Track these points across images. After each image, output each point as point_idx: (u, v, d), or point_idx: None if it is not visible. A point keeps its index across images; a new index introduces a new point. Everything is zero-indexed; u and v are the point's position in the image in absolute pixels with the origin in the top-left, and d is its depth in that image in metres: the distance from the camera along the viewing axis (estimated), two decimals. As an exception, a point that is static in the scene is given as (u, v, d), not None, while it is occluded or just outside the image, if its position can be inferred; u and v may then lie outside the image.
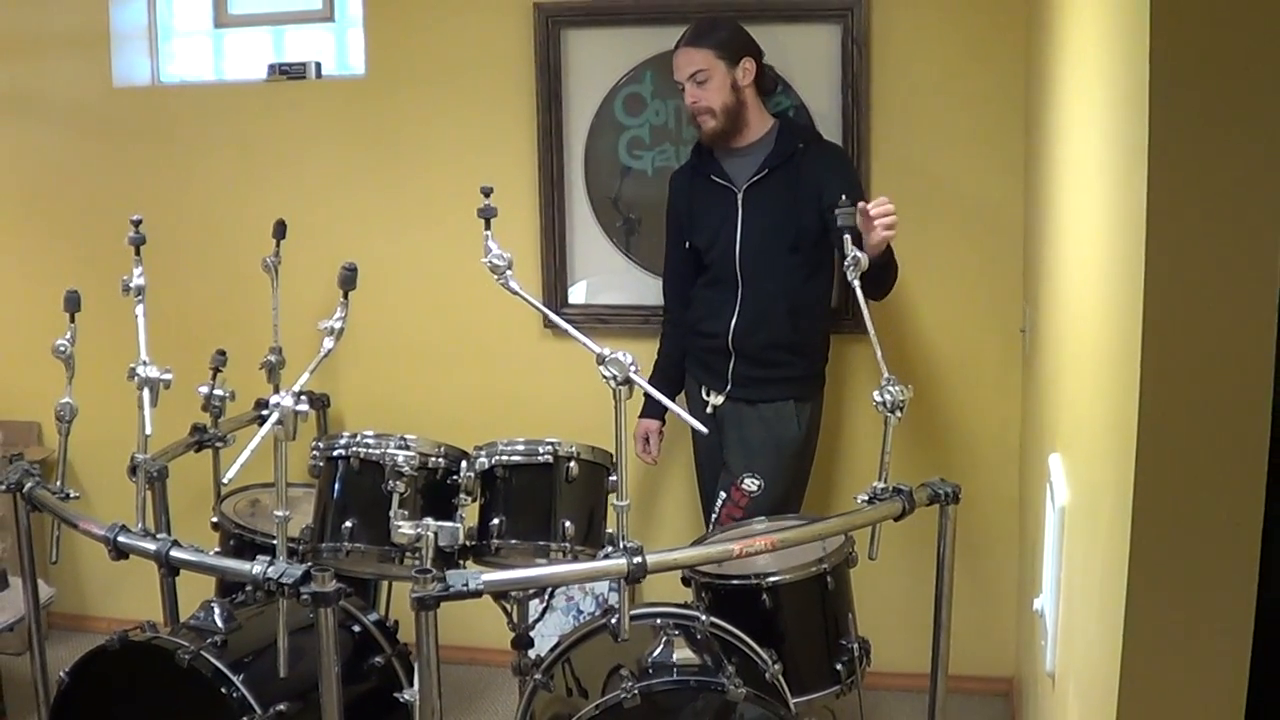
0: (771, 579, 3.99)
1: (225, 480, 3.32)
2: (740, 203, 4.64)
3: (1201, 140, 1.82)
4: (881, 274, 4.21)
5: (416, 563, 3.53)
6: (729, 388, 4.74)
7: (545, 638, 4.30)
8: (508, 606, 4.00)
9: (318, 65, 5.63)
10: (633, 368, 3.18)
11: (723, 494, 4.67)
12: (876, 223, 3.95)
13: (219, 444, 4.85)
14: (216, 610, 3.91)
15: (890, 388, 3.55)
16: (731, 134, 4.65)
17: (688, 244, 4.84)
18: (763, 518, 4.40)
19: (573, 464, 3.73)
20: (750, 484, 4.60)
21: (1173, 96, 1.82)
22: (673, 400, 4.24)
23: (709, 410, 4.79)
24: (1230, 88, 1.79)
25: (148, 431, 3.57)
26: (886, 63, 4.99)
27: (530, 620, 4.09)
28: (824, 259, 4.63)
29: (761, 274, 4.64)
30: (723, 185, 4.69)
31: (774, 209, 4.53)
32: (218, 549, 4.52)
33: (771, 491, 4.63)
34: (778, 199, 4.51)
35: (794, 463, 4.77)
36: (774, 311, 4.66)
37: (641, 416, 5.00)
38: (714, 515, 4.66)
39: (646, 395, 4.64)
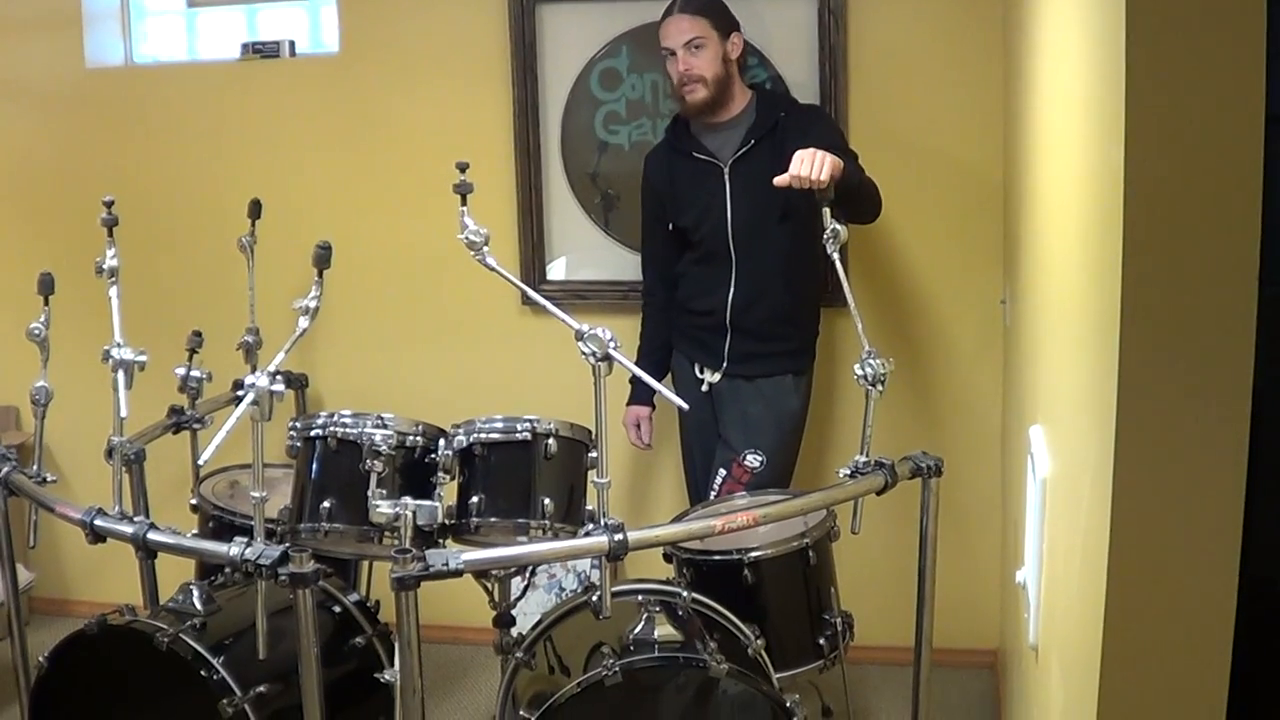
0: (753, 554, 3.99)
1: (200, 462, 3.32)
2: (727, 177, 4.62)
3: (1179, 105, 1.80)
4: (853, 197, 4.20)
5: (396, 542, 3.51)
6: (725, 364, 4.73)
7: (528, 615, 4.30)
8: (489, 585, 3.99)
9: (291, 44, 5.60)
10: (612, 344, 3.17)
11: (722, 470, 4.66)
12: (800, 177, 3.91)
13: (197, 425, 4.83)
14: (195, 593, 3.89)
15: (871, 361, 3.54)
16: (716, 107, 4.63)
17: (670, 225, 4.81)
18: (744, 493, 4.40)
19: (551, 441, 3.70)
20: (753, 460, 4.59)
21: (1150, 61, 1.81)
22: (660, 381, 4.24)
23: (704, 389, 4.78)
24: (1208, 51, 1.78)
25: (123, 414, 3.56)
26: (863, 33, 4.97)
27: (512, 598, 4.07)
28: (815, 227, 4.61)
29: (755, 247, 4.63)
30: (707, 161, 4.66)
31: (763, 181, 4.47)
32: (196, 531, 4.51)
33: (773, 466, 4.63)
34: (765, 170, 4.45)
35: (794, 437, 4.77)
36: (771, 284, 4.65)
37: (630, 404, 4.98)
38: (713, 492, 4.64)
39: (632, 380, 4.65)
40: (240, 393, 3.58)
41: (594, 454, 3.34)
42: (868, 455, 3.61)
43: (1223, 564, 1.90)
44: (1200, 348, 1.85)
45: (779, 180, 3.94)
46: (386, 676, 3.62)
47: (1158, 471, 1.92)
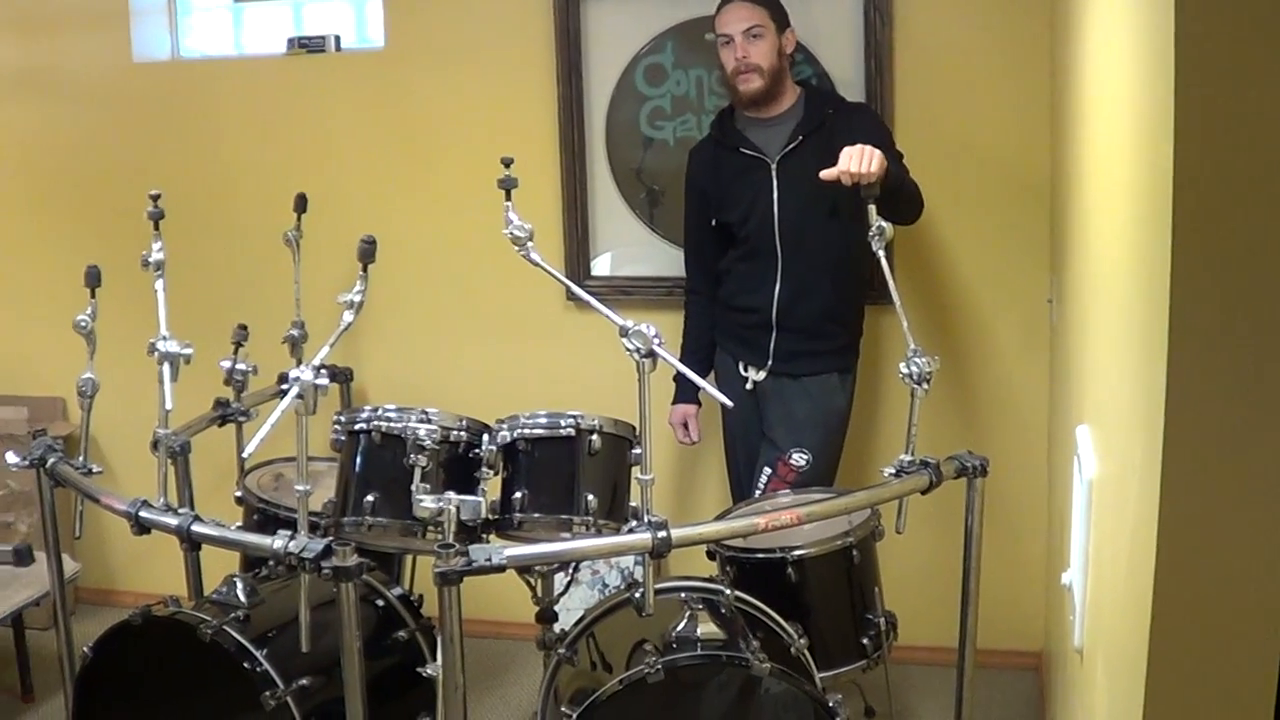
0: (797, 552, 3.98)
1: (245, 455, 3.32)
2: (775, 174, 4.60)
3: (1228, 102, 1.78)
4: (896, 197, 4.17)
5: (439, 537, 3.51)
6: (771, 363, 4.71)
7: (571, 611, 4.29)
8: (532, 580, 3.99)
9: (337, 38, 5.61)
10: (656, 340, 3.16)
11: (768, 469, 4.64)
12: (850, 173, 3.89)
13: (242, 418, 4.84)
14: (239, 585, 3.90)
15: (917, 359, 3.54)
16: (767, 99, 4.62)
17: (715, 220, 4.79)
18: (788, 491, 4.39)
19: (595, 437, 3.69)
20: (799, 458, 4.58)
21: (1199, 56, 1.79)
22: (704, 378, 4.22)
23: (748, 386, 4.76)
24: (1257, 46, 1.76)
25: (168, 406, 3.58)
26: (909, 30, 4.94)
27: (555, 594, 4.07)
28: (862, 225, 4.57)
29: (802, 244, 4.61)
30: (754, 157, 4.64)
31: (810, 178, 4.42)
32: (241, 523, 4.52)
33: (818, 465, 4.61)
34: (813, 167, 4.39)
35: (839, 435, 4.76)
36: (818, 281, 4.64)
37: (675, 403, 4.96)
38: (758, 490, 4.63)
39: (677, 379, 4.64)
40: (285, 386, 3.59)
41: (638, 450, 3.33)
42: (912, 454, 3.60)
43: (1271, 567, 1.88)
44: (1249, 347, 1.83)
45: (826, 173, 3.93)
46: (429, 671, 3.61)
47: (1206, 473, 1.90)
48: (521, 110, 5.35)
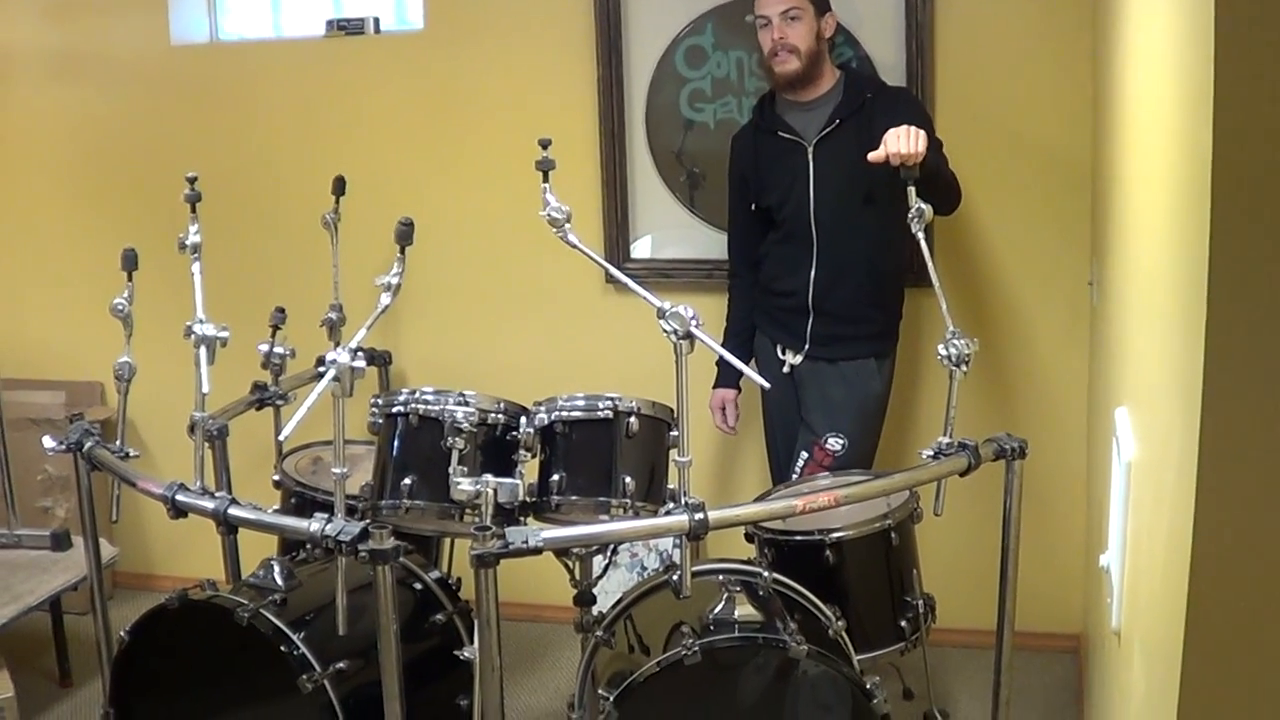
0: (835, 535, 3.97)
1: (281, 438, 3.32)
2: (811, 157, 4.59)
3: (1268, 84, 1.76)
4: (934, 183, 4.12)
5: (476, 520, 3.50)
6: (807, 346, 4.70)
7: (609, 594, 4.29)
8: (570, 563, 3.98)
9: (376, 20, 5.61)
10: (693, 321, 3.15)
11: (804, 454, 4.64)
12: (899, 153, 3.87)
13: (280, 402, 4.85)
14: (276, 568, 3.91)
15: (955, 341, 3.52)
16: (805, 82, 4.60)
17: (754, 205, 4.78)
18: (827, 474, 4.38)
19: (633, 419, 3.68)
20: (835, 443, 4.57)
21: (1239, 38, 1.77)
22: (746, 363, 4.21)
23: (786, 370, 4.75)
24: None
25: (205, 390, 3.58)
26: (950, 12, 4.92)
27: (593, 577, 4.07)
28: (899, 209, 4.54)
29: (838, 229, 4.60)
30: (791, 140, 4.63)
31: (847, 161, 4.42)
32: (278, 507, 4.53)
33: (855, 449, 4.60)
34: (850, 151, 4.39)
35: (876, 420, 4.75)
36: (853, 266, 4.62)
37: (716, 387, 4.97)
38: (795, 474, 4.62)
39: (719, 363, 4.63)
40: (322, 369, 3.60)
41: (675, 432, 3.32)
42: (951, 436, 3.58)
43: (1311, 549, 1.87)
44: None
45: (874, 155, 3.90)
46: (466, 654, 3.62)
47: (1243, 455, 1.88)
48: (561, 92, 5.35)
